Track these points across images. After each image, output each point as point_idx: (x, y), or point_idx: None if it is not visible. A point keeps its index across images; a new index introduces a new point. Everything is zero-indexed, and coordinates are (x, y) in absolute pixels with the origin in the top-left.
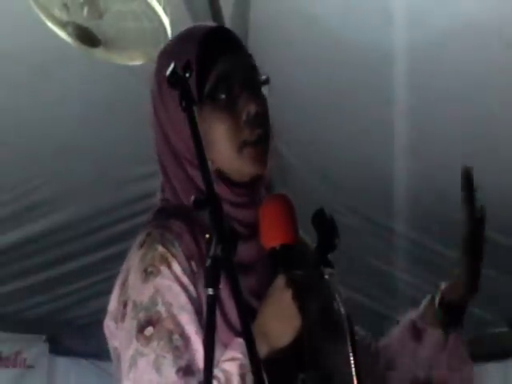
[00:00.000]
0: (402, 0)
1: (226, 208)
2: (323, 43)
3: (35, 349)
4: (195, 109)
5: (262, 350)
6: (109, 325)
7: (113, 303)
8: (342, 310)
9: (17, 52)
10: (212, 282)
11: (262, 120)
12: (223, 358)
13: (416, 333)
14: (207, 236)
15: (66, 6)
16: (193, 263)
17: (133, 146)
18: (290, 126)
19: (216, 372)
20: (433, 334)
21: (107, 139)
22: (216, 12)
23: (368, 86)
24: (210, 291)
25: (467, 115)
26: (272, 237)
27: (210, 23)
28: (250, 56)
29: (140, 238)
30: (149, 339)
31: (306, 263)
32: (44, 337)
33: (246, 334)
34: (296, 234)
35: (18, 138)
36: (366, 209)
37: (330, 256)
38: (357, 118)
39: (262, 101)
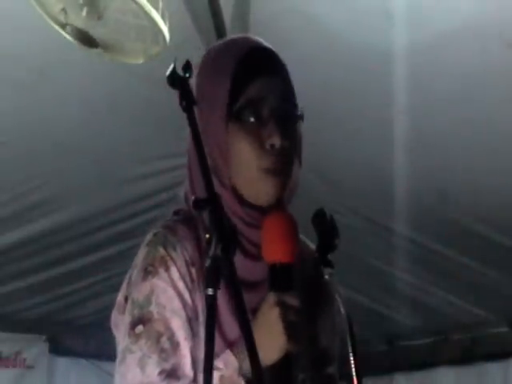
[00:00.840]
0: (402, 0)
1: (239, 226)
2: (323, 44)
3: (35, 349)
4: (195, 109)
5: (245, 367)
6: (114, 315)
7: (119, 296)
8: (342, 310)
9: (17, 53)
10: (212, 281)
11: (285, 154)
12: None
13: None
14: (207, 236)
15: (64, 10)
16: (193, 270)
17: (133, 146)
18: None
19: (198, 377)
20: None
21: (107, 139)
22: (216, 12)
23: (368, 87)
24: (210, 291)
25: (467, 116)
26: (270, 254)
27: (253, 39)
28: (288, 82)
29: (148, 236)
30: (138, 337)
31: (302, 281)
32: (44, 337)
33: (246, 333)
34: (294, 253)
35: (17, 138)
36: (366, 209)
37: (329, 256)
38: (357, 119)
39: (290, 134)
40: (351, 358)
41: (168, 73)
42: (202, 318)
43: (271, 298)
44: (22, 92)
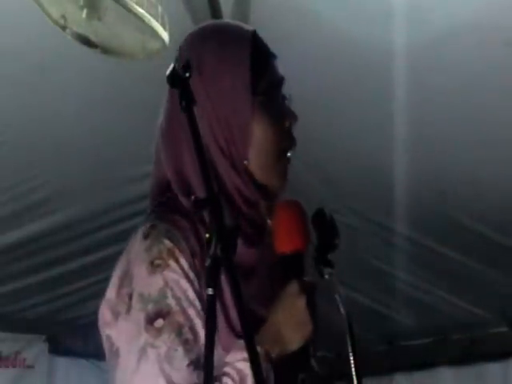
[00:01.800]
0: None
1: (241, 206)
2: (323, 41)
3: (35, 349)
4: (195, 109)
5: (273, 352)
6: (104, 313)
7: (111, 292)
8: (342, 309)
9: (16, 51)
10: (212, 281)
11: (292, 132)
12: (234, 358)
13: None
14: (207, 235)
15: (64, 17)
16: (196, 262)
17: (133, 146)
18: None
19: (228, 369)
20: None
21: (107, 139)
22: (216, 12)
23: (368, 85)
24: (210, 291)
25: (467, 114)
26: (287, 243)
27: (246, 25)
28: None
29: (143, 229)
30: (159, 331)
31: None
32: (44, 337)
33: (246, 334)
34: (308, 241)
35: (17, 138)
36: (366, 209)
37: (329, 256)
38: (357, 117)
39: (295, 113)
40: (351, 358)
41: (168, 72)
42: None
43: (295, 286)
44: (22, 90)
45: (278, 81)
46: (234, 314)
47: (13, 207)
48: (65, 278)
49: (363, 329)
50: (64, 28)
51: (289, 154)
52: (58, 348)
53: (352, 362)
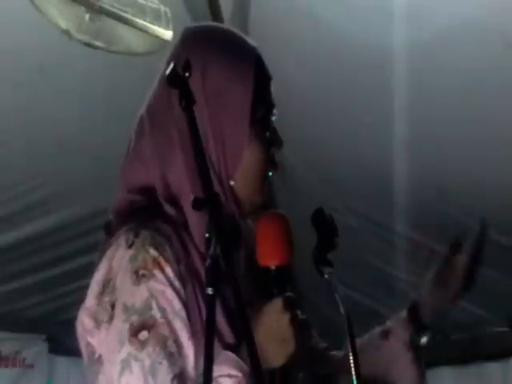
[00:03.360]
0: None
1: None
2: (323, 42)
3: (35, 348)
4: (195, 108)
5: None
6: (84, 321)
7: (91, 300)
8: (342, 309)
9: (16, 51)
10: (212, 281)
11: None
12: (218, 373)
13: (384, 333)
14: (207, 235)
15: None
16: (181, 267)
17: None
18: (290, 126)
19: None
20: (400, 335)
21: (107, 139)
22: (216, 12)
23: (368, 85)
24: (210, 291)
25: (467, 114)
26: (271, 257)
27: (250, 42)
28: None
29: (126, 237)
30: (144, 344)
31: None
32: (44, 336)
33: (247, 334)
34: (291, 254)
35: (17, 138)
36: (366, 208)
37: (329, 255)
38: (356, 117)
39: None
40: (351, 358)
41: (168, 72)
42: (193, 319)
43: (278, 303)
44: (21, 90)
45: (273, 106)
46: (221, 322)
47: (12, 207)
48: (65, 278)
49: (363, 329)
50: (70, 36)
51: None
52: (57, 348)
53: (352, 361)
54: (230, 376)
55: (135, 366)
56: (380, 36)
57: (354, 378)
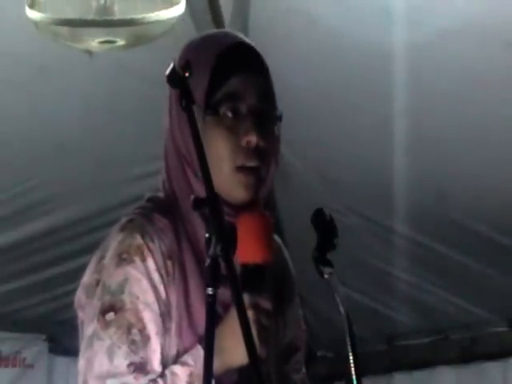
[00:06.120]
0: None
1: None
2: (323, 42)
3: (35, 348)
4: (195, 108)
5: (215, 365)
6: (80, 297)
7: (86, 277)
8: (342, 309)
9: (16, 52)
10: (212, 281)
11: (261, 153)
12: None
13: None
14: (207, 235)
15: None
16: (169, 263)
17: (133, 146)
18: (290, 126)
19: (166, 371)
20: None
21: (107, 139)
22: (216, 12)
23: (368, 85)
24: (210, 291)
25: (467, 114)
26: (244, 255)
27: (234, 34)
28: (269, 82)
29: (122, 221)
30: (108, 324)
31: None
32: (44, 336)
33: (247, 335)
34: (268, 254)
35: (17, 138)
36: (366, 208)
37: (329, 255)
38: (356, 118)
39: (267, 134)
40: (351, 358)
41: (168, 72)
42: (174, 314)
43: (245, 300)
44: (22, 92)
45: (239, 94)
46: (199, 315)
47: (12, 207)
48: (65, 278)
49: (363, 328)
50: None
51: (252, 164)
52: (57, 348)
53: (352, 361)
54: (182, 364)
55: (96, 344)
56: (380, 36)
57: (354, 378)
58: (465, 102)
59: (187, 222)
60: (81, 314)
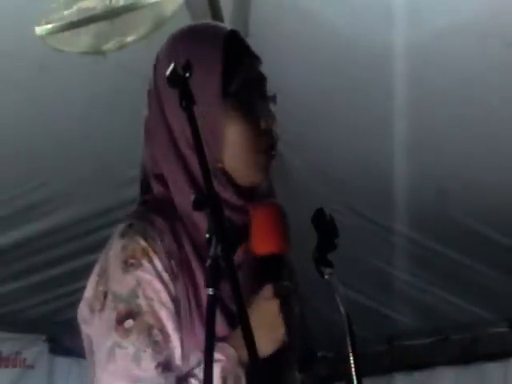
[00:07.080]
0: None
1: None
2: (323, 41)
3: (35, 349)
4: (195, 108)
5: (244, 357)
6: (83, 310)
7: (89, 290)
8: (342, 309)
9: (16, 50)
10: (212, 281)
11: (274, 133)
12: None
13: None
14: (207, 236)
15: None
16: (173, 262)
17: (133, 147)
18: (290, 125)
19: (197, 372)
20: None
21: (107, 139)
22: (216, 12)
23: (368, 84)
24: (210, 291)
25: (467, 114)
26: (264, 246)
27: (220, 24)
28: (261, 66)
29: (121, 228)
30: (128, 332)
31: (288, 272)
32: (44, 337)
33: (247, 335)
34: (287, 244)
35: (17, 138)
36: (366, 208)
37: (329, 255)
38: (357, 117)
39: (273, 114)
40: (351, 358)
41: (168, 72)
42: (183, 313)
43: (269, 290)
44: (22, 90)
45: (254, 80)
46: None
47: (12, 207)
48: (65, 278)
49: (363, 329)
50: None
51: (273, 152)
52: (57, 348)
53: (352, 361)
54: (215, 361)
55: (119, 354)
56: (380, 35)
57: (354, 377)
58: (465, 100)
59: (187, 220)
60: (86, 329)
